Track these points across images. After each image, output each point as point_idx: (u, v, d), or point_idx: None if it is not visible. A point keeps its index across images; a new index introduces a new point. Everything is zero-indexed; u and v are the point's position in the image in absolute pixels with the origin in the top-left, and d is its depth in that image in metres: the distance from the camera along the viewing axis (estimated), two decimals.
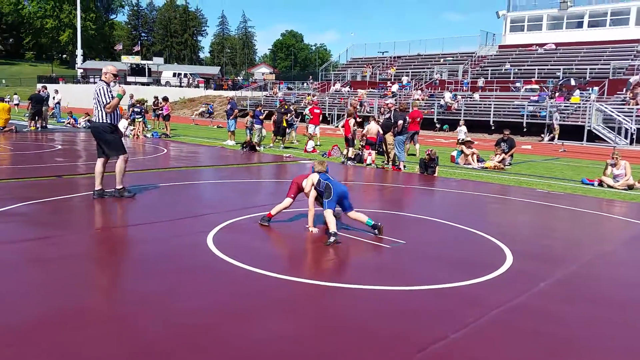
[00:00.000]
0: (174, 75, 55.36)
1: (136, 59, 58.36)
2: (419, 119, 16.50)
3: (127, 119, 20.38)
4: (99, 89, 7.33)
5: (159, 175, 10.32)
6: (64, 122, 25.60)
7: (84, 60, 67.75)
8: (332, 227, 5.65)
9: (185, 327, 3.42)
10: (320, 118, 19.89)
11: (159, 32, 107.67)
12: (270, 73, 64.98)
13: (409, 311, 3.91)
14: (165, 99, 22.58)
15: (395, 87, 35.31)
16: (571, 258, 5.54)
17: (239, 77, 66.00)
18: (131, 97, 21.64)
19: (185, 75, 55.09)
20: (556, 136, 25.16)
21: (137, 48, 68.57)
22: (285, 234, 6.08)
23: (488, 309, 3.97)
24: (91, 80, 56.43)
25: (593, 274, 5.09)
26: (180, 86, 51.86)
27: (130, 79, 52.82)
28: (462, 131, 20.47)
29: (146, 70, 55.08)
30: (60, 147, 14.96)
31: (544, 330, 3.65)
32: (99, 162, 7.62)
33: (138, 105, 19.67)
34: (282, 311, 3.80)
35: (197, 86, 51.74)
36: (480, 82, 33.46)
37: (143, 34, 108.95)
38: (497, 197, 9.58)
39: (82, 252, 5.03)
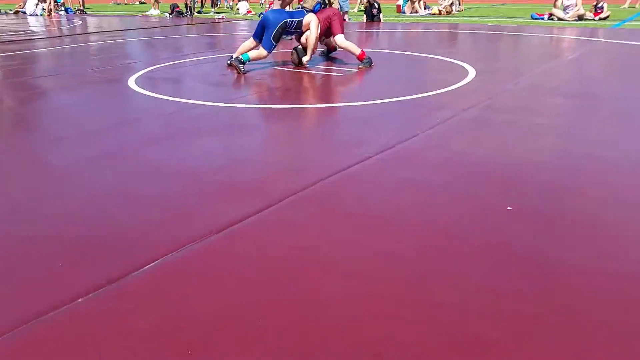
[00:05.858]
0: None
1: None
2: None
3: None
4: None
5: (80, 38, 9.14)
6: None
7: None
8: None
9: (95, 154, 2.83)
10: None
11: None
12: None
13: (375, 118, 3.46)
14: None
15: None
16: (528, 71, 5.21)
17: None
18: None
19: None
20: None
21: None
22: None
23: (456, 111, 3.55)
24: None
25: (553, 73, 4.75)
26: None
27: None
28: None
29: None
30: None
31: (517, 119, 3.32)
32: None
33: None
34: (240, 131, 3.25)
35: None
36: None
37: None
38: (451, 32, 9.14)
39: None
